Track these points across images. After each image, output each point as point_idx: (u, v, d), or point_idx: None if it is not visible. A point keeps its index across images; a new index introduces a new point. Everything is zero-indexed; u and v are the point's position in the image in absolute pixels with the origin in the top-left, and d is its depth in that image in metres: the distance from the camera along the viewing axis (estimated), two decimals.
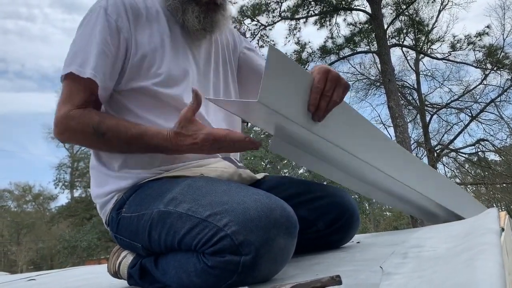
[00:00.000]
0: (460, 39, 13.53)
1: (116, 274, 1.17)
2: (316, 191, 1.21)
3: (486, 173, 15.70)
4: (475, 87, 14.58)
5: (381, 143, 1.27)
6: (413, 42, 14.17)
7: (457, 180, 16.55)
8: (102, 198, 1.15)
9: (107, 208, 1.14)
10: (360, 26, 13.16)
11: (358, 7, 12.59)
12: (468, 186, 16.24)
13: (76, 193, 24.17)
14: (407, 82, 15.92)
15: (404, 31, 13.75)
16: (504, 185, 15.76)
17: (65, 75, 1.09)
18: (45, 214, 27.57)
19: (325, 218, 1.17)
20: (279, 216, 0.84)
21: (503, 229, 1.04)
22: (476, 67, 13.80)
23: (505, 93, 13.72)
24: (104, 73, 1.08)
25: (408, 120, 14.03)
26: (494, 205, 17.68)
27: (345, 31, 15.09)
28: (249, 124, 1.11)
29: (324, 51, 13.06)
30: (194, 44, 1.23)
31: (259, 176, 1.28)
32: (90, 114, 1.07)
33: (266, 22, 12.51)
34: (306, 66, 13.11)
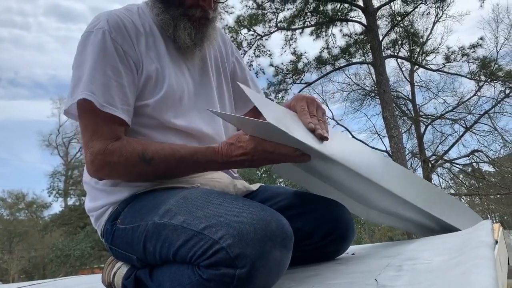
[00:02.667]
0: (454, 51, 13.72)
1: (110, 285, 1.16)
2: (311, 202, 1.20)
3: (480, 184, 15.75)
4: (469, 99, 14.76)
5: (375, 158, 1.28)
6: (408, 53, 14.32)
7: (452, 191, 16.63)
8: (96, 211, 1.14)
9: (101, 220, 1.14)
10: (356, 37, 13.30)
11: (353, 19, 12.73)
12: (463, 196, 16.30)
13: (70, 201, 23.94)
14: (402, 93, 16.08)
15: (399, 42, 13.90)
16: (498, 196, 15.80)
17: (82, 103, 1.03)
18: (38, 222, 27.23)
19: (320, 230, 1.17)
20: (274, 229, 0.84)
21: (496, 242, 1.04)
22: (470, 78, 13.95)
23: (498, 104, 13.86)
24: (129, 105, 1.08)
25: (402, 131, 14.10)
26: (488, 216, 17.72)
27: (340, 42, 15.21)
28: None
29: (319, 61, 13.17)
30: (187, 57, 1.22)
31: (254, 187, 1.28)
32: (131, 144, 1.04)
33: (263, 32, 12.62)
34: (302, 76, 13.20)
